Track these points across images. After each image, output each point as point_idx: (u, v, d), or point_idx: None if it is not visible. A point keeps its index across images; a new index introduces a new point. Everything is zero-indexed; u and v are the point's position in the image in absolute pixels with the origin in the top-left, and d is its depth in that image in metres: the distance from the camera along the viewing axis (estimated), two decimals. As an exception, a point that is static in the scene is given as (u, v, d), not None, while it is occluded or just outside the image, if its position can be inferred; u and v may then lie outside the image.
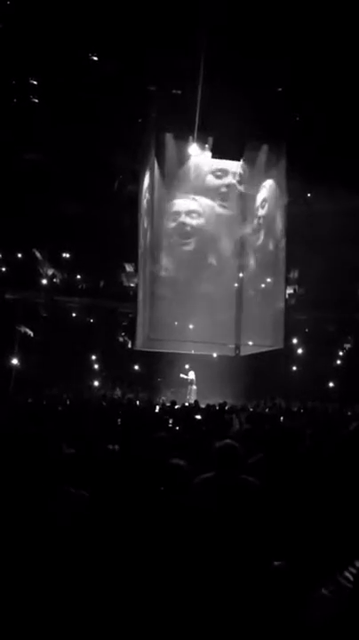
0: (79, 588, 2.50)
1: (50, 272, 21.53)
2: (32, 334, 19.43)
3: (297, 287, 21.80)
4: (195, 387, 16.52)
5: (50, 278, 21.37)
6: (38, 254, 21.16)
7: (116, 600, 2.63)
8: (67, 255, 21.81)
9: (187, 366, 18.13)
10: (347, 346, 20.10)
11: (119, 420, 7.50)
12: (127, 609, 2.62)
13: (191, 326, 17.63)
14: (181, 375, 16.81)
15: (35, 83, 15.02)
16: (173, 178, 17.68)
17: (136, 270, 19.81)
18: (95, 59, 14.10)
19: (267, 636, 2.44)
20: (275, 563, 2.81)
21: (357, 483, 3.25)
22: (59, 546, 2.49)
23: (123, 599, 2.64)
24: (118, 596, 2.64)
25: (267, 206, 18.40)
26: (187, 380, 16.85)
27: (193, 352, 18.34)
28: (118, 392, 17.83)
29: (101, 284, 22.12)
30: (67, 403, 11.89)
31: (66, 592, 2.45)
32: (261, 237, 18.56)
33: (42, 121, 16.02)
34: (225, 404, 11.02)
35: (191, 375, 16.61)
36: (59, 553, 2.48)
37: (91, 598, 2.56)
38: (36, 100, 15.51)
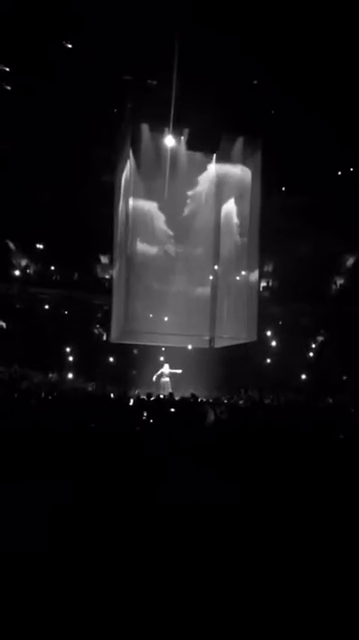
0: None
1: (23, 263, 21.24)
2: (4, 326, 19.18)
3: (271, 280, 22.01)
4: (167, 379, 16.56)
5: (23, 269, 21.08)
6: (11, 245, 20.84)
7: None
8: (41, 246, 21.53)
9: (162, 359, 18.17)
10: (320, 338, 20.41)
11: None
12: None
13: (166, 318, 17.66)
14: (162, 374, 16.66)
15: (7, 69, 14.70)
16: (149, 168, 17.58)
17: (111, 262, 19.68)
18: (69, 46, 13.89)
19: None
20: None
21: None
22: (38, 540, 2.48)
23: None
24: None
25: (241, 199, 18.47)
26: (163, 373, 16.83)
27: (163, 349, 18.40)
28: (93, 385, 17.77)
29: (76, 275, 21.92)
30: (42, 396, 11.77)
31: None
32: (236, 230, 18.64)
33: (15, 109, 15.72)
34: (194, 395, 11.08)
35: (165, 369, 16.63)
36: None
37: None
38: (9, 88, 15.20)
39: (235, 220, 18.64)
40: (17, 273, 20.69)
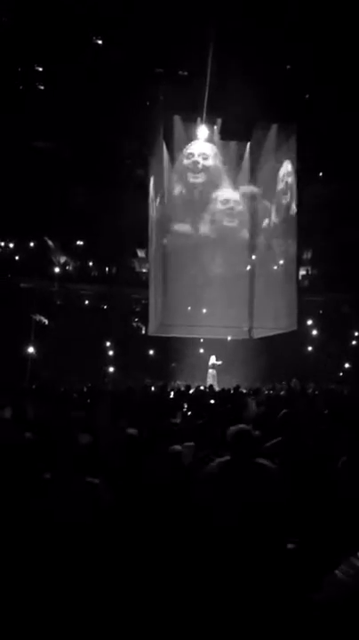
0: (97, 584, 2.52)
1: (62, 260, 21.61)
2: (47, 322, 19.58)
3: (310, 268, 21.61)
4: (213, 370, 16.57)
5: (62, 266, 21.46)
6: (50, 242, 21.24)
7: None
8: (79, 243, 21.85)
9: (201, 351, 18.17)
10: (362, 326, 19.95)
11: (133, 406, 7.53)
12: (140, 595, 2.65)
13: (204, 310, 17.59)
14: (211, 366, 16.73)
15: (40, 69, 14.91)
16: (182, 159, 17.49)
17: (148, 256, 19.77)
18: (100, 42, 13.96)
19: (280, 618, 2.46)
20: (288, 545, 2.83)
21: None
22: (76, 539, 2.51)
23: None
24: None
25: (278, 187, 18.17)
26: (209, 365, 16.87)
27: (201, 340, 18.38)
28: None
29: (114, 270, 22.16)
30: (84, 390, 11.98)
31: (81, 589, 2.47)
32: (273, 219, 18.36)
33: (49, 108, 15.94)
34: (238, 387, 11.00)
35: (212, 360, 16.70)
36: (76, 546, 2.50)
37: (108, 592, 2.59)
38: (42, 87, 15.42)
39: (272, 208, 18.35)
40: (56, 270, 21.08)
